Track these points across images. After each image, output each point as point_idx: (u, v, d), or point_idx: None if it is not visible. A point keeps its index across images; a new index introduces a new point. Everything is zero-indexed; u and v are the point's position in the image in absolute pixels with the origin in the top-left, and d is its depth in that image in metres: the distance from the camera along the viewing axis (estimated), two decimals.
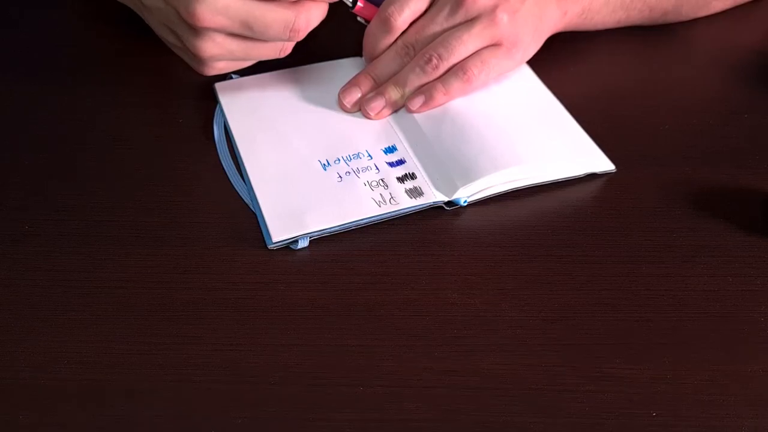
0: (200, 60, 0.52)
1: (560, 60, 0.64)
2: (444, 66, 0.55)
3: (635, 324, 0.45)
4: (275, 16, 0.50)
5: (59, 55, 0.62)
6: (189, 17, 0.49)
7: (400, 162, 0.54)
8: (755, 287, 0.47)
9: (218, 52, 0.52)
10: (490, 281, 0.47)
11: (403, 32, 0.57)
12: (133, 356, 0.43)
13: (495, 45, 0.56)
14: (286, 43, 0.53)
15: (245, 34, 0.51)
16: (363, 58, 0.60)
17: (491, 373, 0.42)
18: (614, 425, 0.40)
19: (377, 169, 0.53)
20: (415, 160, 0.54)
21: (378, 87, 0.57)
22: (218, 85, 0.59)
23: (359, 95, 0.57)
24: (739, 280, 0.48)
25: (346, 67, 0.60)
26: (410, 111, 0.56)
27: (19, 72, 0.63)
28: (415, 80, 0.56)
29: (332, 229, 0.49)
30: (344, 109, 0.57)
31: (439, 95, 0.56)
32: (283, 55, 0.54)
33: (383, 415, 0.40)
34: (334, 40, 0.64)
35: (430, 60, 0.55)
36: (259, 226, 0.49)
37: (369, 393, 0.41)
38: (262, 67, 0.59)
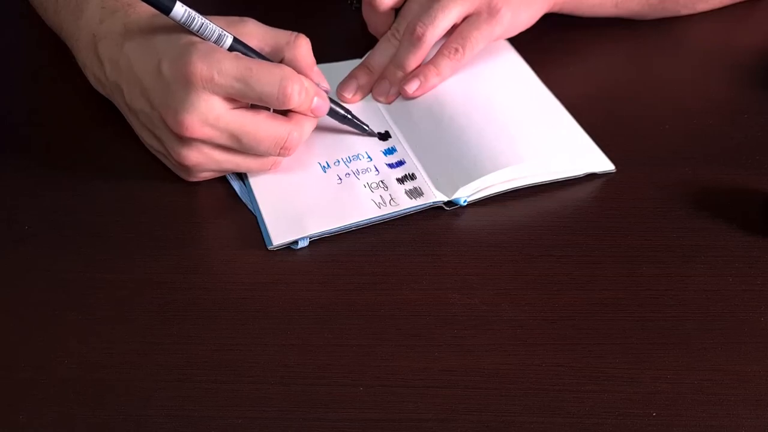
0: (184, 168, 0.50)
1: (560, 60, 0.64)
2: (429, 34, 0.56)
3: (635, 324, 0.45)
4: (267, 132, 0.48)
5: (57, 56, 0.62)
6: (176, 126, 0.46)
7: (400, 163, 0.54)
8: (755, 287, 0.47)
9: (204, 162, 0.49)
10: (490, 281, 0.47)
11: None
12: (133, 356, 0.43)
13: (476, 13, 0.57)
14: (277, 158, 0.51)
15: (234, 147, 0.48)
16: (362, 59, 0.60)
17: (491, 373, 0.42)
18: (614, 425, 0.40)
19: (377, 170, 0.53)
20: (414, 160, 0.54)
21: (374, 75, 0.59)
22: None
23: (356, 85, 0.58)
24: (739, 280, 0.48)
25: (345, 70, 0.60)
26: (407, 96, 0.57)
27: (20, 73, 0.63)
28: (409, 56, 0.57)
29: (332, 231, 0.49)
30: (344, 100, 0.58)
31: (431, 75, 0.57)
32: (273, 169, 0.51)
33: (383, 415, 0.40)
34: (334, 42, 0.64)
35: (414, 30, 0.56)
36: (258, 226, 0.49)
37: (369, 393, 0.41)
38: None
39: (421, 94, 0.57)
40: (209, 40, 0.47)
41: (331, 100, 0.52)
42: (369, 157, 0.54)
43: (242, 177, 0.52)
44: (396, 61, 0.58)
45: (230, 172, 0.52)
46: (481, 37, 0.57)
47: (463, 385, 0.42)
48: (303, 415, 0.40)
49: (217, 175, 0.52)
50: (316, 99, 0.49)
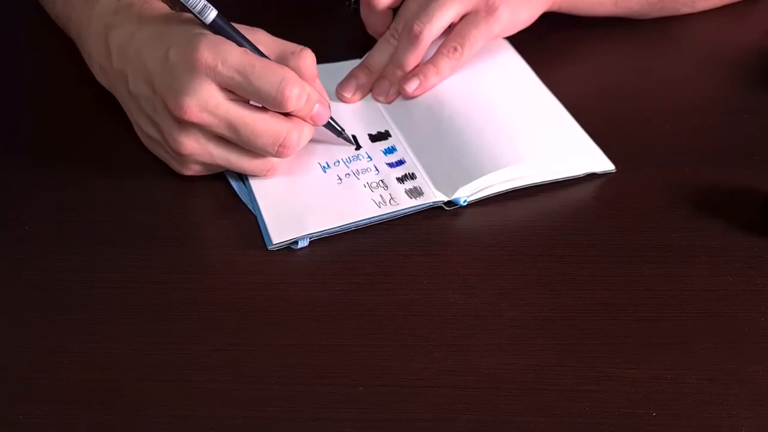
0: (178, 156, 0.50)
1: (560, 60, 0.64)
2: (427, 32, 0.56)
3: (635, 324, 0.45)
4: (266, 126, 0.48)
5: (56, 56, 0.62)
6: (176, 108, 0.46)
7: (400, 162, 0.54)
8: (755, 287, 0.47)
9: (197, 152, 0.49)
10: (490, 281, 0.47)
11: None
12: (133, 356, 0.43)
13: (474, 12, 0.57)
14: (273, 162, 0.50)
15: (231, 137, 0.48)
16: (362, 59, 0.60)
17: (491, 373, 0.42)
18: (614, 425, 0.40)
19: (377, 170, 0.53)
20: (414, 160, 0.54)
21: (374, 75, 0.59)
22: None
23: (356, 85, 0.58)
24: (739, 280, 0.47)
25: (345, 70, 0.60)
26: (407, 95, 0.57)
27: (21, 73, 0.63)
28: (408, 55, 0.57)
29: (332, 230, 0.49)
30: (343, 100, 0.58)
31: (430, 74, 0.57)
32: (269, 175, 0.51)
33: (383, 415, 0.40)
34: (334, 42, 0.64)
35: (411, 29, 0.56)
36: (258, 226, 0.49)
37: (369, 393, 0.41)
38: None
39: (421, 94, 0.57)
40: (194, 9, 0.47)
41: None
42: (369, 156, 0.54)
43: (242, 177, 0.52)
44: (395, 60, 0.58)
45: (221, 170, 0.52)
46: (479, 35, 0.57)
47: (462, 385, 0.42)
48: (303, 415, 0.40)
49: (209, 172, 0.52)
50: (317, 106, 0.49)
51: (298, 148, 0.50)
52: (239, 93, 0.47)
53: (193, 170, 0.51)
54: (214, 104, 0.47)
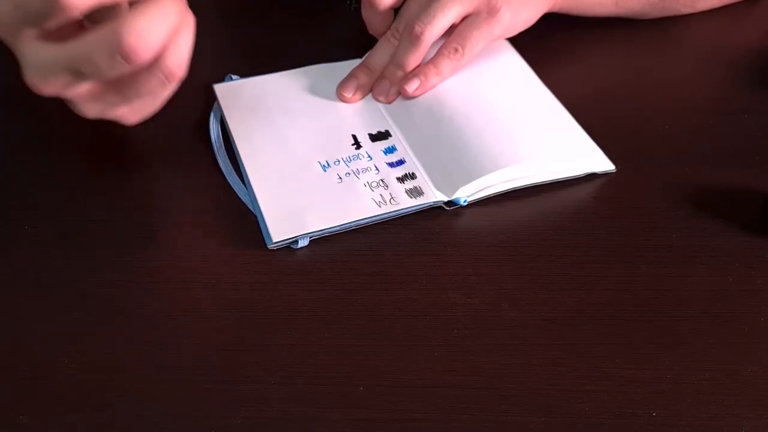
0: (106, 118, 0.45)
1: (560, 60, 0.64)
2: (428, 33, 0.56)
3: (635, 324, 0.45)
4: (91, 46, 0.39)
5: None
6: (32, 88, 0.42)
7: (400, 162, 0.54)
8: (755, 287, 0.47)
9: (101, 108, 0.44)
10: (490, 281, 0.47)
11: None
12: (133, 356, 0.43)
13: (475, 13, 0.57)
14: (163, 67, 0.41)
15: (85, 79, 0.41)
16: (362, 59, 0.60)
17: (491, 373, 0.42)
18: (614, 425, 0.40)
19: (377, 169, 0.53)
20: (414, 160, 0.54)
21: (374, 75, 0.59)
22: (217, 87, 0.59)
23: (356, 85, 0.58)
24: (739, 280, 0.48)
25: (345, 70, 0.60)
26: (407, 95, 0.57)
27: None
28: (409, 56, 0.57)
29: (332, 229, 0.49)
30: (344, 100, 0.58)
31: (431, 74, 0.57)
32: (170, 80, 0.42)
33: (383, 415, 0.40)
34: (334, 42, 0.64)
35: (412, 29, 0.56)
36: (258, 226, 0.49)
37: (369, 393, 0.41)
38: (261, 69, 0.60)
39: (421, 94, 0.57)
40: None
41: None
42: (369, 156, 0.54)
43: (242, 177, 0.52)
44: (395, 60, 0.58)
45: (146, 102, 0.46)
46: (480, 36, 0.58)
47: (463, 385, 0.42)
48: (303, 415, 0.40)
49: (148, 108, 0.46)
50: None
51: (156, 46, 0.40)
52: (31, 24, 0.40)
53: (118, 111, 0.45)
54: (44, 63, 0.41)
